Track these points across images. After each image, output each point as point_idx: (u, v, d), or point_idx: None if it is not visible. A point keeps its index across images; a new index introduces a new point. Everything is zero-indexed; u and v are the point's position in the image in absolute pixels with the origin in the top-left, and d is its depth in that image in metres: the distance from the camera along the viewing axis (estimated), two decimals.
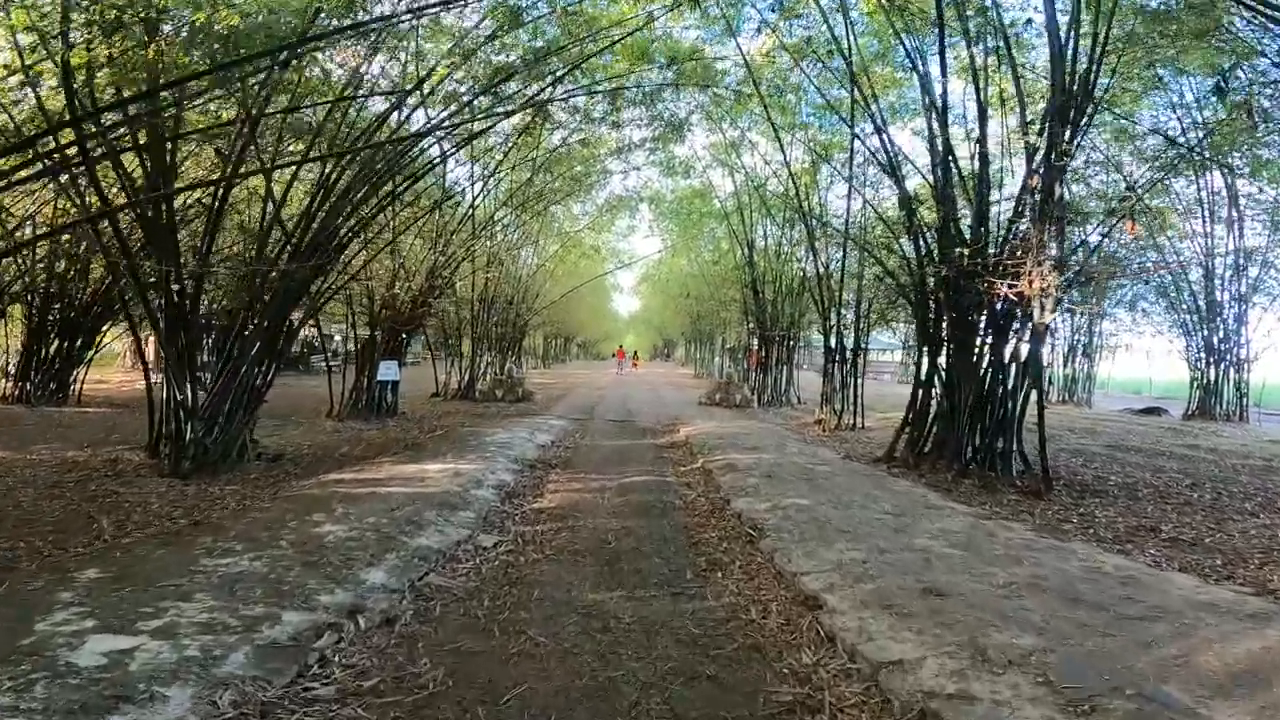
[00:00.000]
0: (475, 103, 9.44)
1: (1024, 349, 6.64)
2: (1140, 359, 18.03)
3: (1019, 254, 6.31)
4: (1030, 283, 6.07)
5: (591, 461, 7.38)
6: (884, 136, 8.34)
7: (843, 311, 11.40)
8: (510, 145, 13.07)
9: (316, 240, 6.89)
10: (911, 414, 7.69)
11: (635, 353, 45.41)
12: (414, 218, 11.04)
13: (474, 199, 13.01)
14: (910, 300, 8.22)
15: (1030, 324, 6.42)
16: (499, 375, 15.41)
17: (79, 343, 11.30)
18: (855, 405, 11.30)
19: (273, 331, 6.84)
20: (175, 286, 6.22)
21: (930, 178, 7.66)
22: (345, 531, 3.96)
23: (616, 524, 4.76)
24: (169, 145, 6.02)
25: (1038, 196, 6.40)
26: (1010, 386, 6.72)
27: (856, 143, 10.34)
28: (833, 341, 11.57)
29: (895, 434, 7.89)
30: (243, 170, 6.44)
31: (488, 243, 15.59)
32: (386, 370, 11.83)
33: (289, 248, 6.89)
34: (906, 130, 11.41)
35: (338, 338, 30.65)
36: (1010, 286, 6.14)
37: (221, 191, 6.63)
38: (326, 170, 7.15)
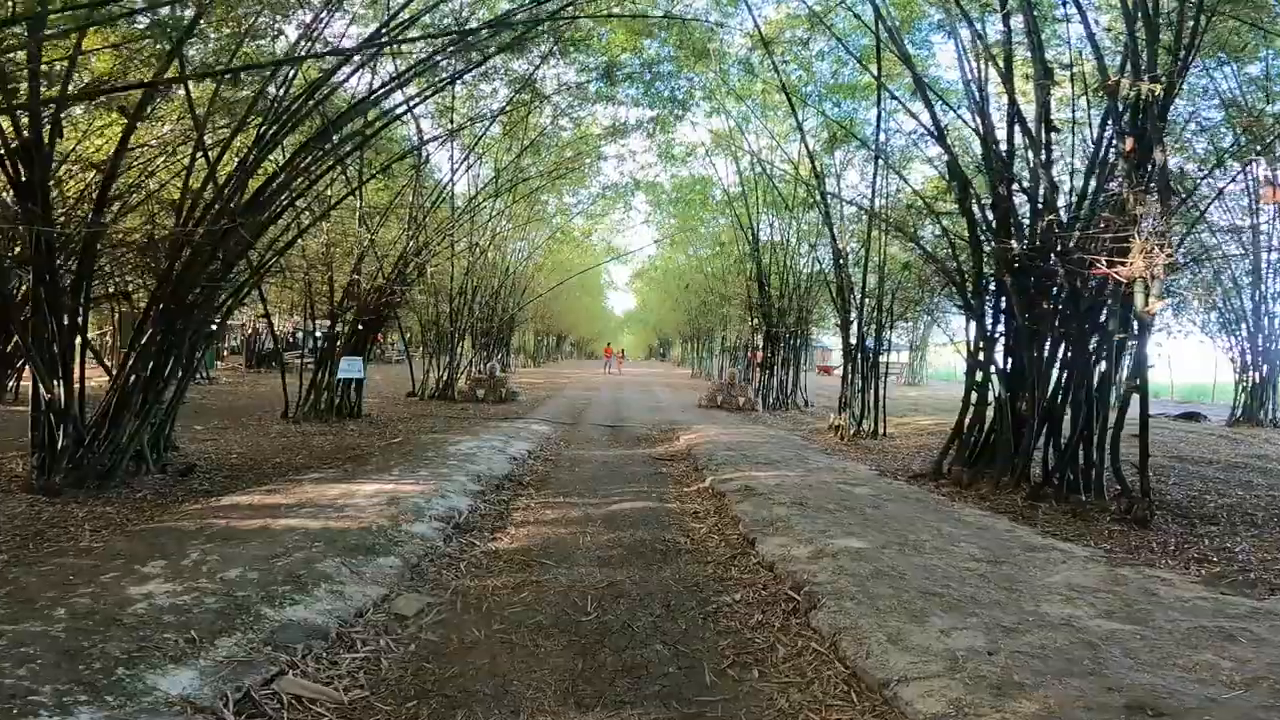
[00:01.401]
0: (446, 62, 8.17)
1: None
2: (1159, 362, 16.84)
3: (1117, 227, 5.00)
4: (1137, 262, 4.75)
5: (574, 480, 6.01)
6: (925, 92, 7.02)
7: (865, 304, 10.06)
8: (495, 118, 11.74)
9: (230, 206, 5.50)
10: (964, 423, 6.36)
11: (622, 351, 44.17)
12: (355, 186, 9.61)
13: (451, 175, 11.63)
14: (958, 287, 6.90)
15: (1130, 313, 5.10)
16: (480, 374, 14.03)
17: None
18: (877, 411, 9.98)
19: (176, 317, 5.44)
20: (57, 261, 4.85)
21: (980, 131, 6.33)
22: (176, 593, 2.60)
23: (601, 577, 3.41)
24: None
25: (1133, 161, 5.10)
26: (1095, 389, 5.40)
27: (884, 111, 9.05)
28: (852, 339, 10.25)
29: (944, 445, 6.57)
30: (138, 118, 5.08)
31: (467, 228, 14.22)
32: (348, 367, 10.44)
33: (210, 217, 5.53)
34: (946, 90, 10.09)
35: (320, 333, 29.17)
36: (1110, 265, 4.82)
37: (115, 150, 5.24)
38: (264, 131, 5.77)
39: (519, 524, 4.33)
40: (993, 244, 6.03)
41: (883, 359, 10.16)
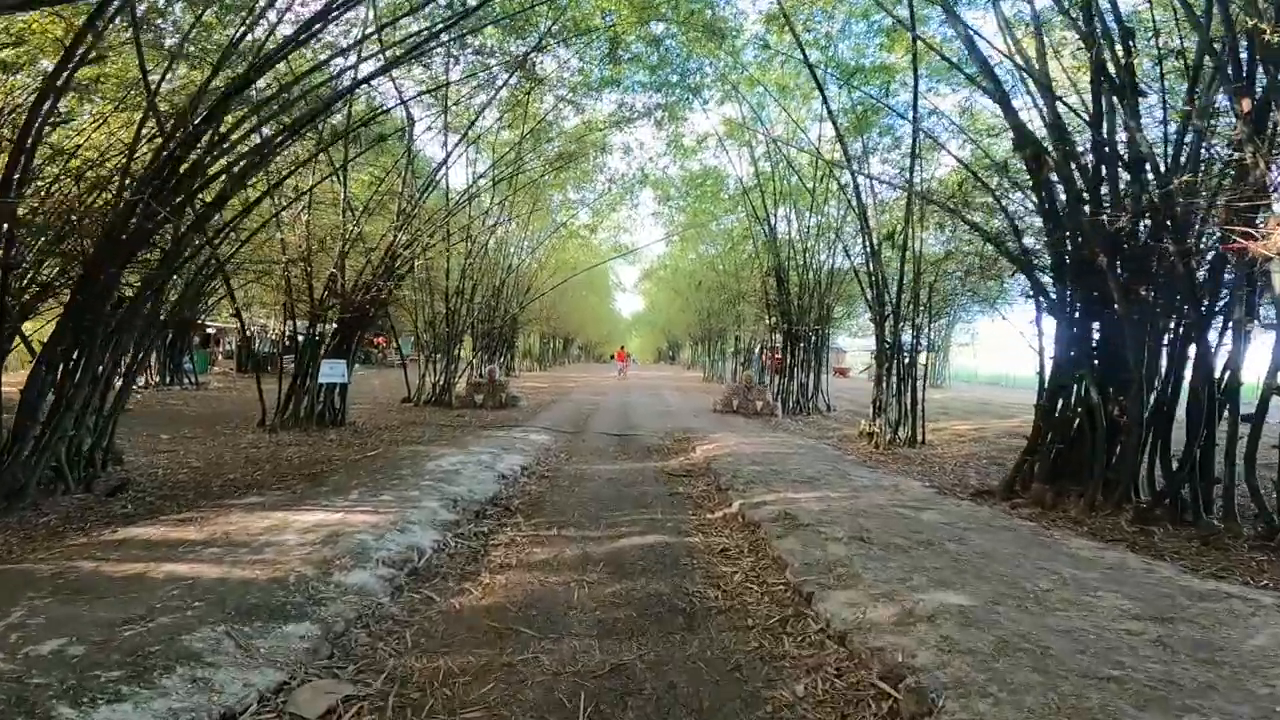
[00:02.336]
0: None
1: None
2: None
3: (1244, 196, 3.97)
4: (1276, 235, 3.72)
5: (572, 504, 5.01)
6: (978, 52, 6.00)
7: (901, 299, 9.02)
8: (492, 99, 10.84)
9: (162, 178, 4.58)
10: (1042, 431, 5.31)
11: (634, 357, 43.16)
12: (334, 169, 8.72)
13: (444, 161, 10.71)
14: (1026, 272, 5.85)
15: (1259, 298, 4.07)
16: (480, 378, 13.09)
17: None
18: (914, 416, 8.94)
19: (86, 310, 4.51)
20: None
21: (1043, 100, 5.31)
22: None
23: (601, 656, 2.40)
24: None
25: (1250, 121, 4.08)
26: (1219, 391, 4.35)
27: (920, 74, 8.05)
28: (887, 336, 9.21)
29: (1017, 459, 5.52)
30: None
31: (464, 220, 13.31)
32: (330, 371, 9.53)
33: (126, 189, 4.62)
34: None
35: (302, 334, 28.13)
36: (1244, 238, 3.78)
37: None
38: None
39: (497, 568, 3.33)
40: (1079, 219, 4.99)
41: (920, 358, 9.10)
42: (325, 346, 9.79)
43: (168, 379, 14.98)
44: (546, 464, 6.73)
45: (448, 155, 11.30)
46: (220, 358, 21.75)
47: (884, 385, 8.97)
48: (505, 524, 4.24)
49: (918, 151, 8.48)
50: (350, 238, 9.49)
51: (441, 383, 13.20)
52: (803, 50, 9.15)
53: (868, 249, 9.09)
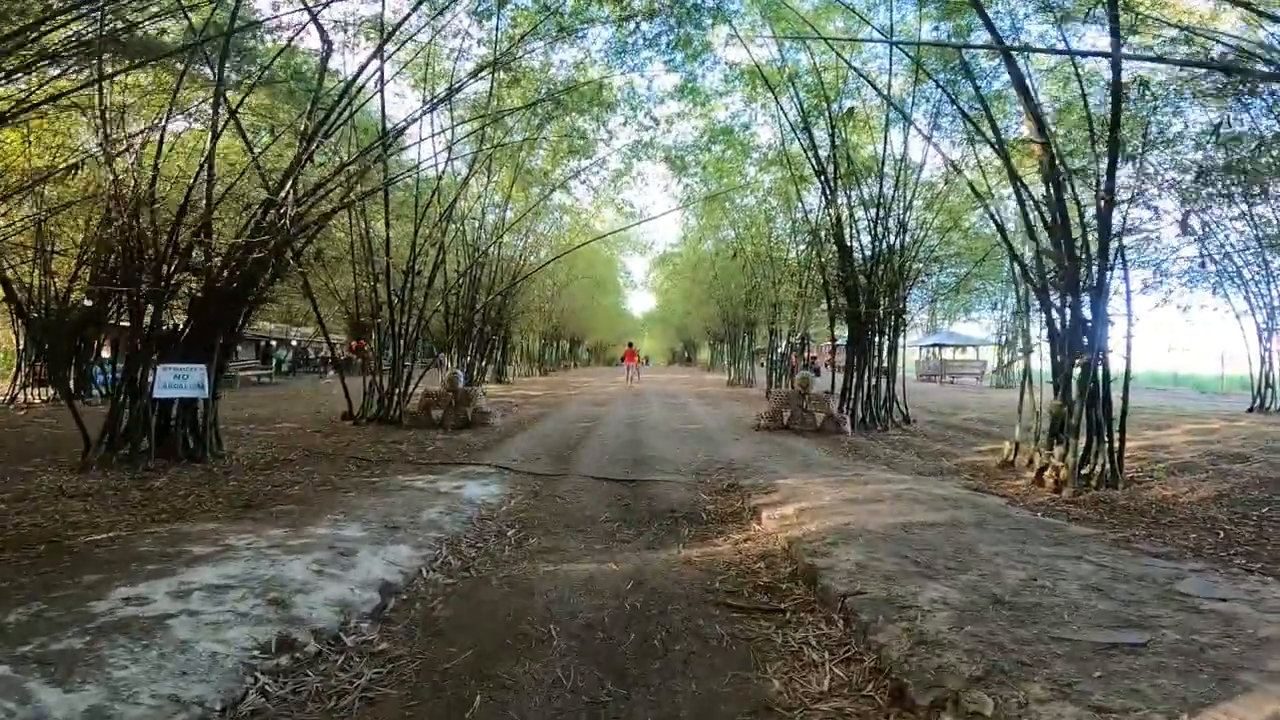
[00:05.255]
0: None
1: None
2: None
3: None
4: None
5: None
6: None
7: (1090, 261, 5.46)
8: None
9: None
10: None
11: (646, 357, 39.54)
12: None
13: (360, 70, 7.25)
14: None
15: None
16: (446, 388, 9.70)
17: None
18: (1108, 441, 5.39)
19: None
20: None
21: None
22: None
23: None
24: None
25: None
26: None
27: None
28: (1056, 319, 5.69)
29: None
30: None
31: (411, 183, 9.97)
32: (174, 381, 6.22)
33: None
34: None
35: (296, 341, 24.46)
36: None
37: None
38: None
39: None
40: None
41: (1111, 349, 5.51)
42: (176, 344, 6.47)
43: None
44: (468, 562, 3.31)
45: (382, 81, 7.92)
46: None
47: (1063, 392, 5.42)
48: None
49: None
50: (204, 180, 6.15)
51: (396, 394, 9.85)
52: None
53: (1050, 179, 5.48)
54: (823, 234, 11.01)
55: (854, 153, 10.18)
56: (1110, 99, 5.06)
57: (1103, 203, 5.06)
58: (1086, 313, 5.35)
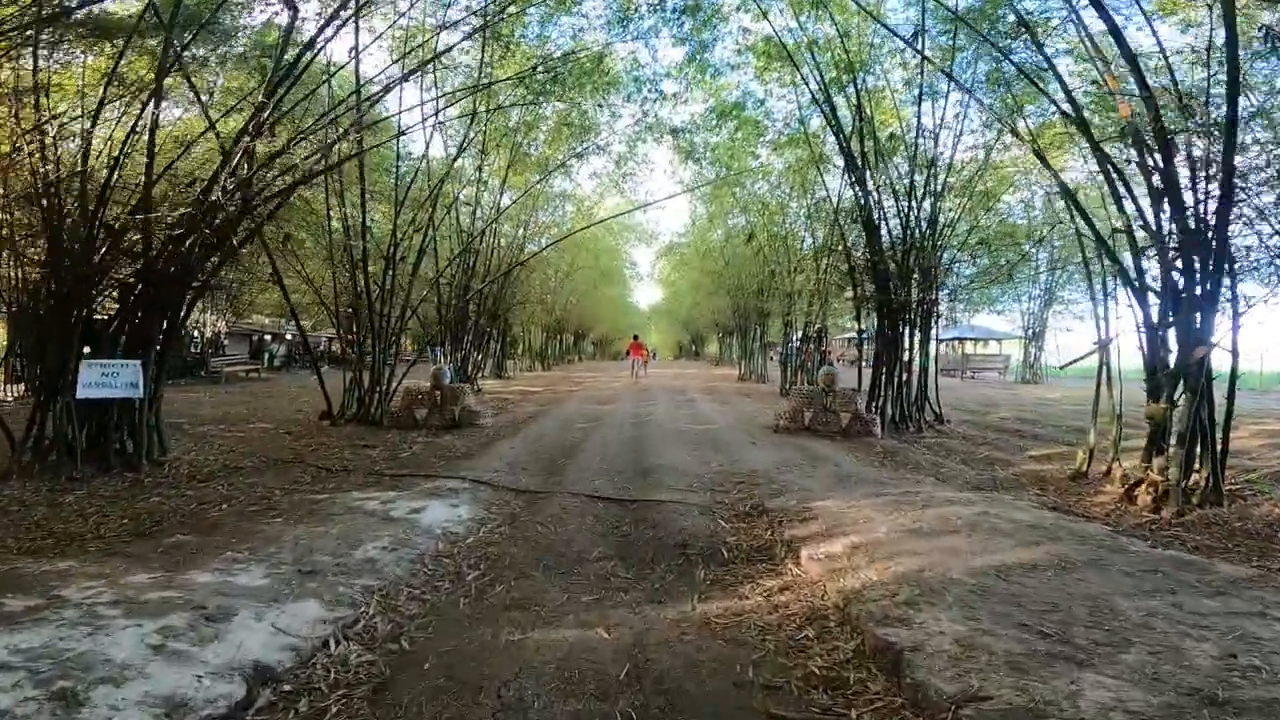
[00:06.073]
0: None
1: None
2: None
3: None
4: None
5: None
6: None
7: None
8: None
9: None
10: None
11: (654, 350, 38.42)
12: None
13: (319, 35, 6.29)
14: None
15: None
16: (431, 385, 8.78)
17: None
18: (1209, 448, 4.40)
19: None
20: None
21: None
22: None
23: None
24: None
25: None
26: None
27: None
28: (1166, 308, 4.68)
29: None
30: None
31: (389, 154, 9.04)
32: (101, 379, 5.35)
33: None
34: None
35: (290, 335, 23.41)
36: None
37: None
38: None
39: None
40: None
41: (1212, 341, 4.49)
42: (105, 336, 5.58)
43: None
44: (402, 625, 2.38)
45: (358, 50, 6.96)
46: None
47: (1168, 392, 4.42)
48: None
49: None
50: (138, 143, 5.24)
51: (378, 391, 8.95)
52: None
53: (1158, 124, 4.44)
54: (845, 216, 10.01)
55: (880, 129, 9.17)
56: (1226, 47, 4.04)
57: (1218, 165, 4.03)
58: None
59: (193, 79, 6.44)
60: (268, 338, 22.84)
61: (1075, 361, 5.82)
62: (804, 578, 3.03)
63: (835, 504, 4.01)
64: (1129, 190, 4.98)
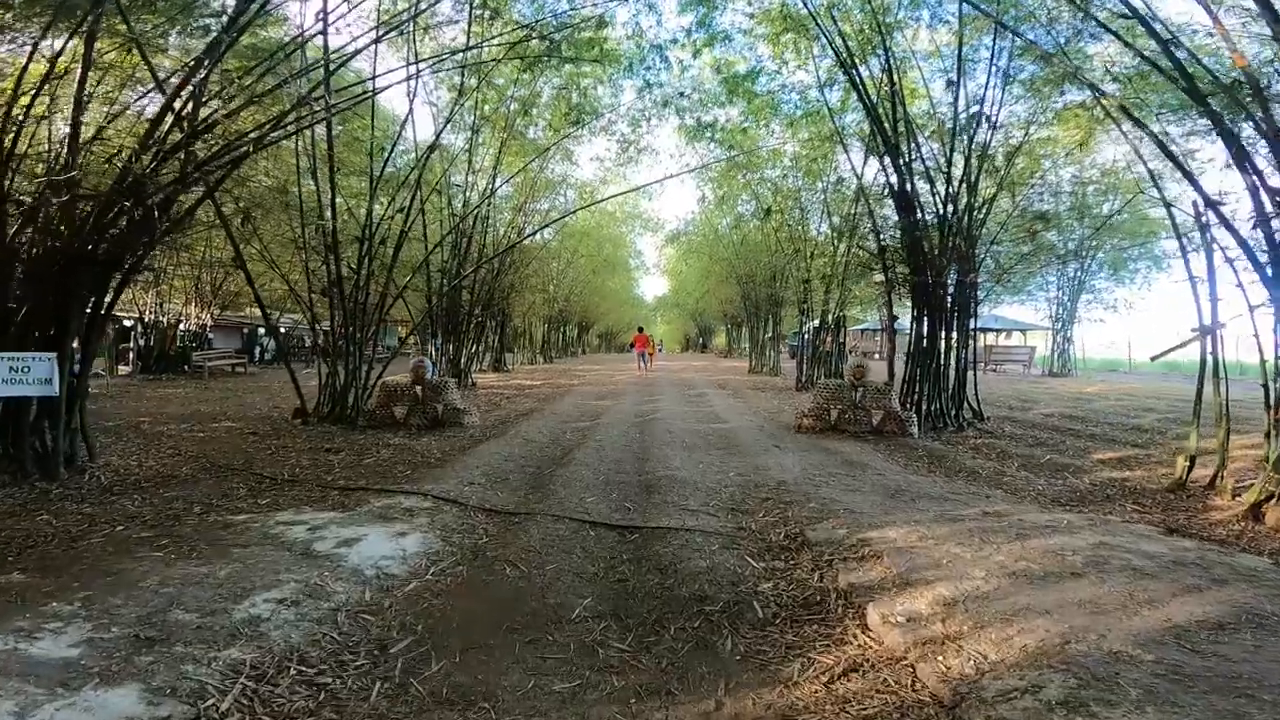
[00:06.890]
0: None
1: None
2: None
3: None
4: None
5: None
6: None
7: None
8: None
9: None
10: None
11: (660, 342, 37.28)
12: None
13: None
14: None
15: None
16: (411, 380, 7.87)
17: None
18: None
19: None
20: None
21: None
22: None
23: None
24: None
25: None
26: None
27: None
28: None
29: None
30: None
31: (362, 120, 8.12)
32: (8, 376, 4.48)
33: None
34: None
35: (284, 328, 22.74)
36: None
37: None
38: None
39: None
40: None
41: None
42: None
43: None
44: None
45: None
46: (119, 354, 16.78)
47: None
48: None
49: None
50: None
51: (355, 387, 8.06)
52: None
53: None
54: (873, 194, 9.02)
55: (911, 102, 8.17)
56: None
57: None
58: None
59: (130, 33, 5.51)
60: (260, 330, 22.03)
61: (1169, 352, 4.84)
62: (878, 651, 2.10)
63: (899, 533, 3.06)
64: (1245, 153, 3.99)
